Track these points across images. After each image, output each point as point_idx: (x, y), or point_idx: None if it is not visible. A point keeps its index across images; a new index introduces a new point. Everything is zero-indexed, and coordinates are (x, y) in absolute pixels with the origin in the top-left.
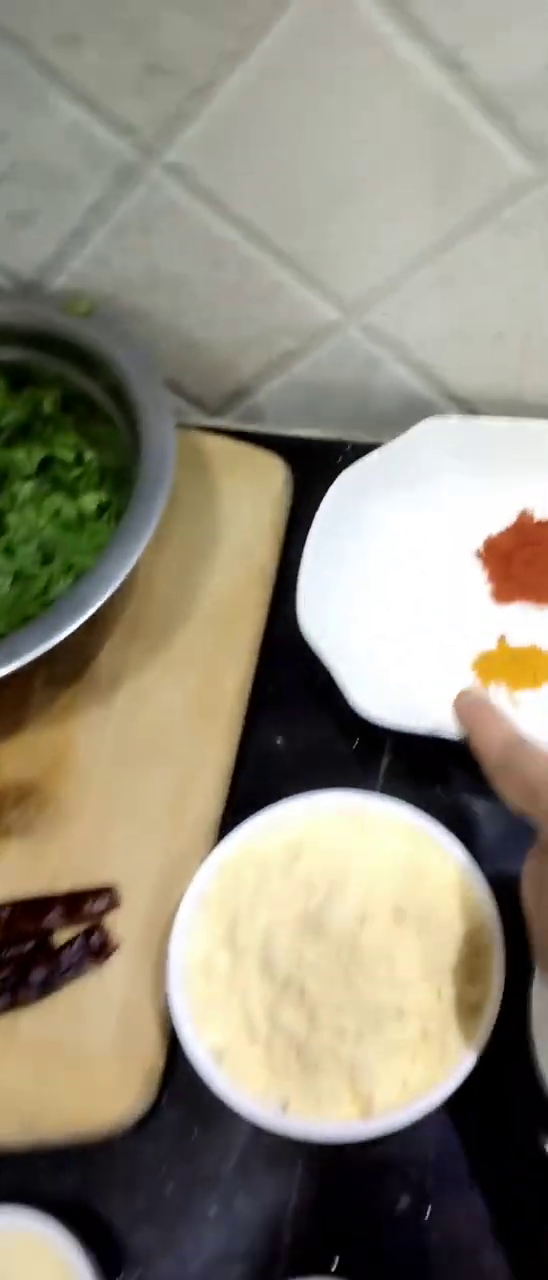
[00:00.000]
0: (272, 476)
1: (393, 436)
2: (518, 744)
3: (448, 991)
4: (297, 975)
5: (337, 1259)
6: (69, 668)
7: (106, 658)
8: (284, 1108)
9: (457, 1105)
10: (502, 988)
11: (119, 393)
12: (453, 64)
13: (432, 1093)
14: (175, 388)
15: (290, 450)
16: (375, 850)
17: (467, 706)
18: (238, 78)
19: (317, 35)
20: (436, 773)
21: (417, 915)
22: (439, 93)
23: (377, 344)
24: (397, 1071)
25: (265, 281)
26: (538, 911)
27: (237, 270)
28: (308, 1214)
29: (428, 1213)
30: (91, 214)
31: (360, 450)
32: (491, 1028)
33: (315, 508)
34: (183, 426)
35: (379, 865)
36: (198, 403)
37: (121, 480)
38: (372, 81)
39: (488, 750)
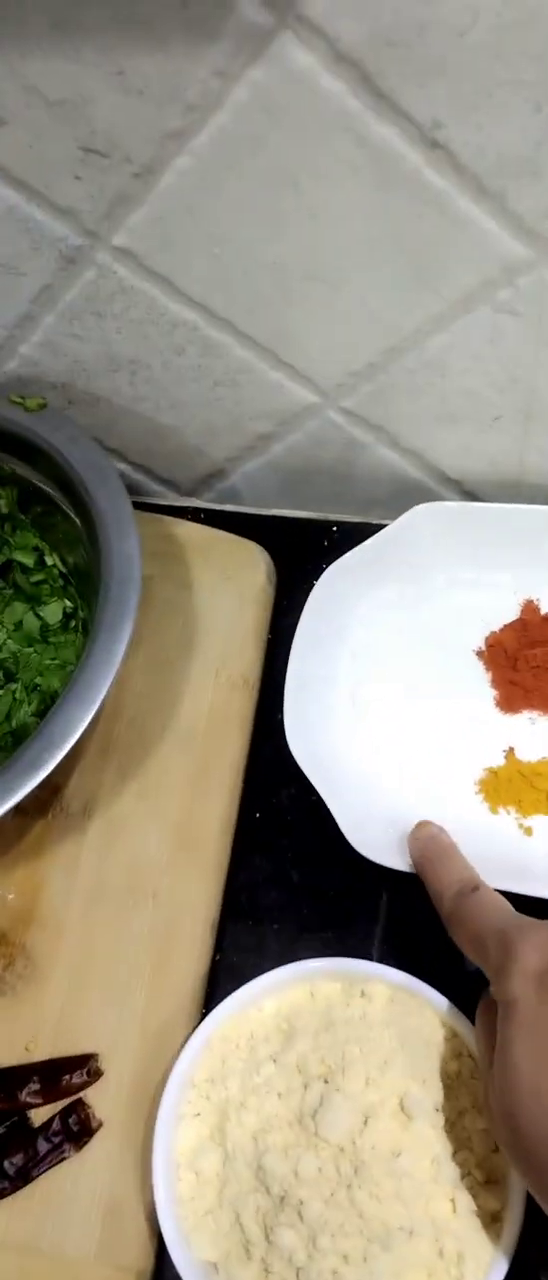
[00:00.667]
0: (253, 569)
1: (383, 516)
2: (470, 892)
3: (464, 1200)
4: (294, 1190)
5: None
6: (37, 797)
7: (77, 783)
8: None
9: None
10: (524, 1191)
11: (77, 496)
12: (431, 143)
13: None
14: (143, 470)
15: (273, 531)
16: (376, 1029)
17: (420, 845)
18: (187, 159)
19: (276, 112)
20: None
21: (425, 1110)
22: (417, 174)
23: (359, 428)
24: None
25: (231, 365)
26: (486, 1066)
27: (199, 354)
28: None
29: None
30: (39, 299)
31: (347, 531)
32: (515, 1241)
33: (302, 597)
34: (153, 510)
35: (380, 1049)
36: (169, 484)
37: (87, 585)
38: (340, 161)
39: (441, 897)
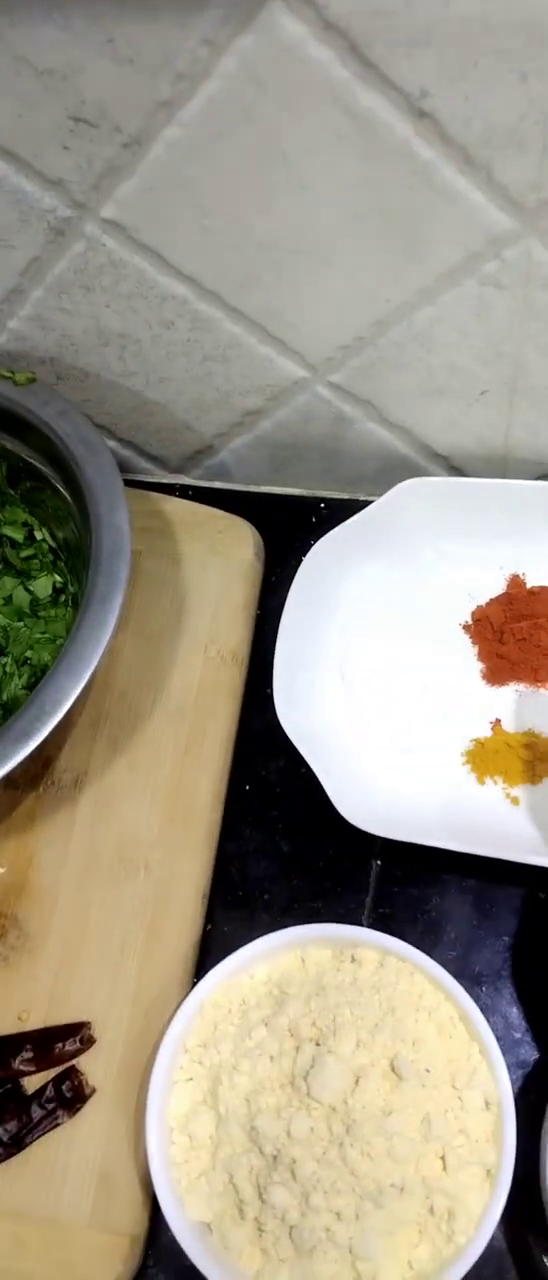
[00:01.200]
0: (241, 545)
1: (370, 492)
2: None
3: (454, 1157)
4: (286, 1150)
5: None
6: (28, 770)
7: (68, 756)
8: None
9: (469, 1272)
10: (514, 1148)
11: (67, 470)
12: (418, 113)
13: (441, 1275)
14: (132, 447)
15: (262, 508)
16: (366, 993)
17: None
18: (176, 130)
19: (264, 81)
20: (430, 877)
21: (415, 1070)
22: (405, 144)
23: (347, 402)
24: (401, 1253)
25: (221, 339)
26: None
27: (188, 328)
28: None
29: None
30: (28, 272)
31: (335, 507)
32: (505, 1197)
33: (290, 573)
34: (142, 486)
35: (371, 1012)
36: (158, 460)
37: (77, 559)
38: (329, 131)
39: None
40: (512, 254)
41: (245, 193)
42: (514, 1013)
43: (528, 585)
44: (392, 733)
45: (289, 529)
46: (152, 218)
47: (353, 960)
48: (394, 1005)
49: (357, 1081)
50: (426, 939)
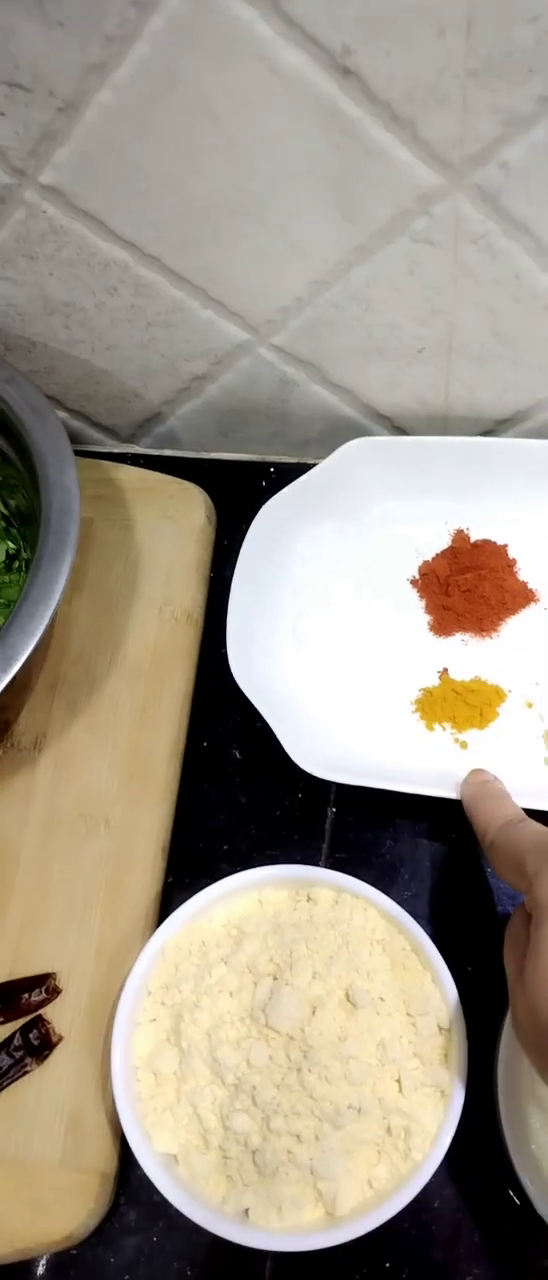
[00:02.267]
0: (192, 509)
1: (318, 455)
2: (516, 823)
3: (409, 1079)
4: (247, 1078)
5: None
6: None
7: (27, 720)
8: (245, 1215)
9: (428, 1189)
10: (467, 1068)
11: (16, 436)
12: (342, 70)
13: (399, 1192)
14: (82, 417)
15: (212, 474)
16: (322, 929)
17: (472, 788)
18: (109, 93)
19: (191, 42)
20: (384, 821)
21: (370, 998)
22: (332, 102)
23: (290, 365)
24: (360, 1171)
25: (163, 304)
26: (517, 977)
27: (131, 294)
28: None
29: None
30: None
31: (284, 471)
32: (458, 1114)
33: (242, 537)
34: (94, 456)
35: (326, 946)
36: (109, 430)
37: (29, 526)
38: (256, 90)
39: (486, 829)
40: (440, 210)
41: (179, 155)
42: (467, 947)
43: (472, 539)
44: (343, 685)
45: (240, 494)
46: (89, 183)
47: (309, 899)
48: (349, 939)
49: (313, 1011)
50: (381, 881)
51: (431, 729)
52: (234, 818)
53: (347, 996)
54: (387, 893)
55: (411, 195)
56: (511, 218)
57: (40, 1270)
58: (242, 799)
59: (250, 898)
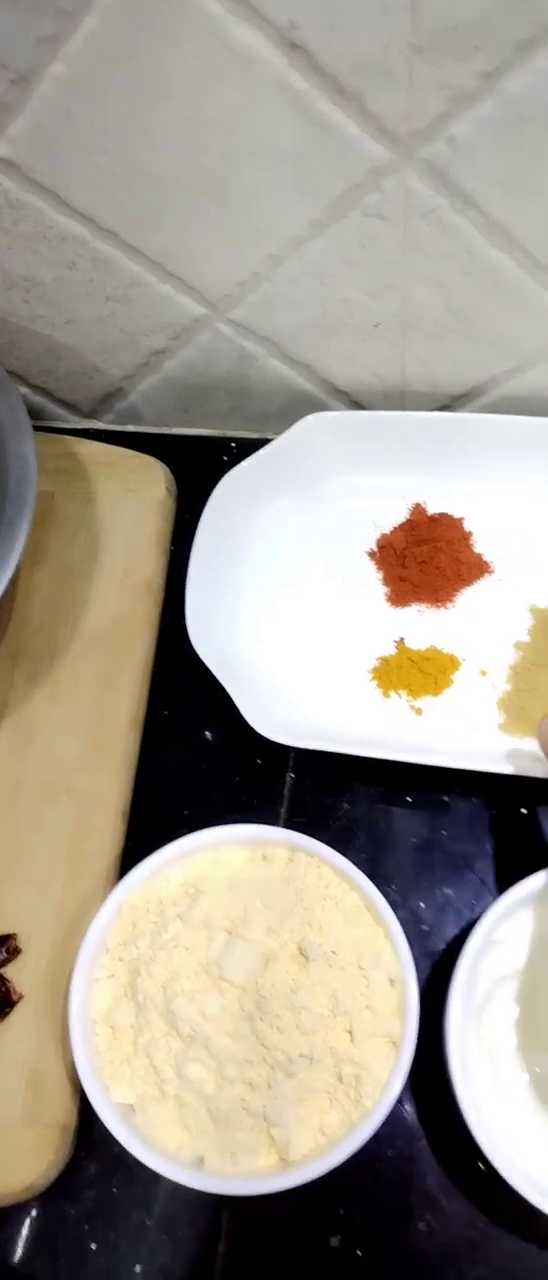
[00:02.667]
0: (153, 482)
1: (278, 430)
2: None
3: (361, 1030)
4: (202, 1029)
5: None
6: None
7: None
8: (201, 1163)
9: (381, 1139)
10: (417, 1020)
11: None
12: (290, 45)
13: (350, 1137)
14: (44, 393)
15: (174, 450)
16: (277, 886)
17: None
18: (61, 65)
19: (142, 15)
20: (340, 787)
21: (322, 952)
22: (283, 77)
23: (248, 339)
24: (312, 1118)
25: (122, 279)
26: None
27: (89, 268)
28: (239, 1259)
29: (360, 1249)
30: None
31: (245, 446)
32: (409, 1064)
33: (202, 511)
34: (55, 431)
35: (280, 902)
36: (70, 406)
37: None
38: (209, 65)
39: None
40: (390, 185)
41: (134, 129)
42: (422, 907)
43: (429, 512)
44: (302, 654)
45: (201, 469)
46: (44, 156)
47: (264, 859)
48: (303, 896)
49: (266, 964)
50: (338, 844)
51: (387, 696)
52: (194, 784)
53: (300, 950)
54: (344, 854)
55: (361, 170)
56: (459, 192)
57: None
58: (202, 765)
59: (207, 857)
